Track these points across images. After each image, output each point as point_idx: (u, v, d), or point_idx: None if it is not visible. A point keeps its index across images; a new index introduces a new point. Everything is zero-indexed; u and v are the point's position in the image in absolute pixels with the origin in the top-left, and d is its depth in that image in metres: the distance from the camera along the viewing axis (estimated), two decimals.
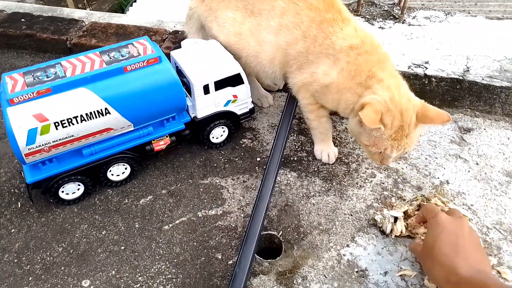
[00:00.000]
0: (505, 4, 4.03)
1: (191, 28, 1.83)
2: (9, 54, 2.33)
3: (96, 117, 1.36)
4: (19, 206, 1.56)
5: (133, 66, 1.39)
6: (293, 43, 1.52)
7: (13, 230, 1.49)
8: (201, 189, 1.61)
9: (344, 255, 1.39)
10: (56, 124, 1.31)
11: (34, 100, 1.29)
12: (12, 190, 1.62)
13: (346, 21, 1.46)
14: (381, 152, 1.41)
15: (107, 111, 1.37)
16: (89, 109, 1.34)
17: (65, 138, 1.35)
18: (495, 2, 4.10)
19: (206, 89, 1.57)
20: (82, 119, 1.34)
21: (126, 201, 1.57)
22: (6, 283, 1.34)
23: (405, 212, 1.45)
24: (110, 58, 1.40)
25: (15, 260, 1.40)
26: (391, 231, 1.42)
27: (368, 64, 1.39)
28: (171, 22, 2.40)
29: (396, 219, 1.43)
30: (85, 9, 3.83)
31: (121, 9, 4.50)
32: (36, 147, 1.31)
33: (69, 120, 1.32)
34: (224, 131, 1.73)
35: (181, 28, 2.31)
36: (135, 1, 4.35)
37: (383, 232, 1.43)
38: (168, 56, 1.60)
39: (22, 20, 2.37)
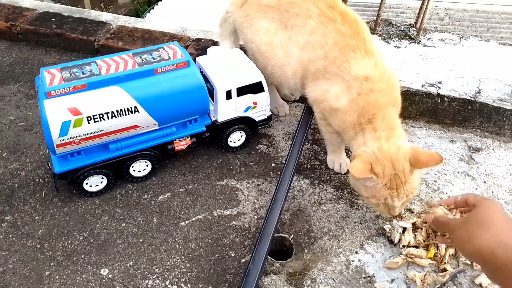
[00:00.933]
0: None
1: (224, 30, 1.93)
2: (38, 51, 2.43)
3: (125, 114, 1.44)
4: (43, 195, 1.64)
5: (163, 69, 1.47)
6: (314, 61, 1.58)
7: (36, 218, 1.56)
8: (217, 190, 1.68)
9: (352, 261, 1.45)
10: (89, 118, 1.39)
11: (70, 95, 1.37)
12: (37, 180, 1.70)
13: (369, 53, 1.49)
14: (385, 203, 1.40)
15: (136, 110, 1.45)
16: (120, 106, 1.42)
17: (95, 132, 1.43)
18: (507, 29, 4.18)
19: (228, 95, 1.64)
20: (113, 115, 1.42)
21: (146, 196, 1.64)
22: (29, 267, 1.41)
23: (413, 224, 1.51)
24: (142, 60, 1.49)
25: (38, 246, 1.47)
26: (399, 240, 1.47)
27: (376, 106, 1.42)
28: (194, 30, 2.49)
29: (404, 229, 1.49)
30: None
31: (137, 15, 4.64)
32: (68, 138, 1.39)
33: (101, 116, 1.40)
34: (241, 136, 1.80)
35: (203, 36, 2.41)
36: (152, 8, 4.49)
37: (391, 242, 1.48)
38: (194, 61, 1.68)
39: (53, 19, 2.48)
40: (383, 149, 1.36)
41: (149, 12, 4.50)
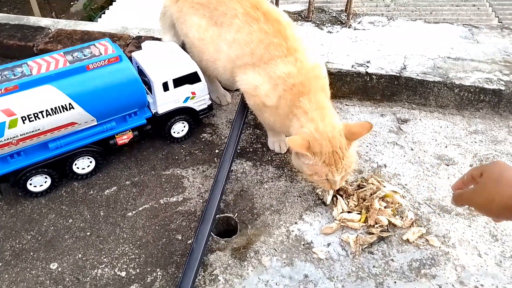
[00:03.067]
0: (457, 13, 4.37)
1: (164, 24, 2.00)
2: None
3: (60, 112, 1.47)
4: None
5: (94, 65, 1.52)
6: (241, 57, 1.66)
7: None
8: (163, 179, 1.74)
9: (292, 231, 1.55)
10: (23, 118, 1.42)
11: (2, 97, 1.39)
12: None
13: (291, 50, 1.57)
14: (326, 179, 1.50)
15: (71, 106, 1.49)
16: (54, 104, 1.45)
17: (32, 131, 1.45)
18: (448, 11, 4.44)
19: (165, 86, 1.71)
20: (48, 113, 1.45)
21: (92, 192, 1.68)
22: None
23: (345, 191, 1.63)
24: (73, 57, 1.52)
25: None
26: (334, 196, 1.61)
27: (300, 94, 1.52)
28: (135, 28, 2.53)
29: (336, 198, 1.61)
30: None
31: (91, 21, 4.59)
32: (5, 140, 1.42)
33: (36, 115, 1.43)
34: (184, 126, 1.87)
35: (145, 34, 2.45)
36: (103, 13, 4.46)
37: (324, 204, 1.61)
38: (130, 58, 1.73)
39: None
40: (319, 129, 1.46)
41: (100, 17, 4.46)
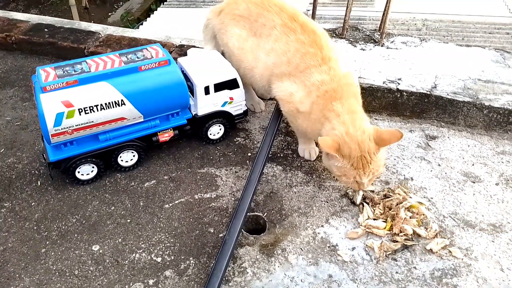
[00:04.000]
0: (490, 40, 4.39)
1: (206, 35, 2.15)
2: (32, 59, 2.61)
3: (113, 107, 1.61)
4: (39, 184, 1.79)
5: (146, 66, 1.66)
6: (279, 65, 1.78)
7: (33, 204, 1.71)
8: (198, 177, 1.85)
9: (318, 233, 1.62)
10: (80, 110, 1.56)
11: (63, 89, 1.55)
12: (33, 171, 1.85)
13: (325, 59, 1.67)
14: (355, 181, 1.58)
15: (122, 103, 1.63)
16: (108, 100, 1.60)
17: (86, 123, 1.60)
18: (481, 38, 4.46)
19: (206, 90, 1.83)
20: (102, 107, 1.59)
21: (133, 183, 1.80)
22: (26, 245, 1.56)
23: (372, 200, 1.69)
24: (128, 59, 1.67)
25: (35, 228, 1.62)
26: (361, 204, 1.68)
27: (333, 99, 1.61)
28: (177, 38, 2.69)
29: (363, 207, 1.68)
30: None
31: None
32: (62, 129, 1.56)
33: (91, 108, 1.58)
34: (220, 129, 1.99)
35: (186, 43, 2.60)
36: (141, 24, 4.70)
37: (354, 203, 1.70)
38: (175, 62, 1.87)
39: (45, 30, 2.67)
40: (350, 132, 1.54)
41: (137, 28, 4.71)
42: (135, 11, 5.34)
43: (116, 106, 1.62)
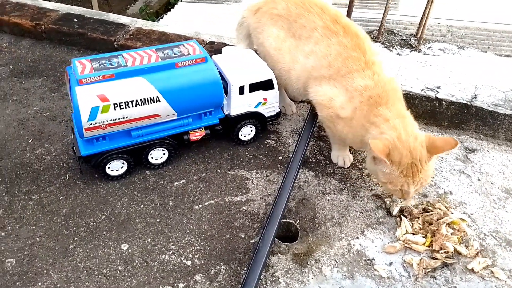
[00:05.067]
0: None
1: (240, 34, 2.08)
2: (60, 49, 2.58)
3: (148, 103, 1.57)
4: (67, 178, 1.76)
5: (183, 63, 1.61)
6: (318, 68, 1.71)
7: (61, 197, 1.68)
8: (228, 179, 1.80)
9: (354, 245, 1.56)
10: (115, 105, 1.52)
11: (99, 83, 1.51)
12: (61, 164, 1.82)
13: (369, 64, 1.61)
14: (401, 189, 1.51)
15: (157, 99, 1.58)
16: (143, 96, 1.55)
17: (121, 118, 1.55)
18: (507, 47, 4.33)
19: (241, 90, 1.78)
20: (137, 103, 1.55)
21: (162, 182, 1.76)
22: (54, 240, 1.53)
23: (410, 213, 1.62)
24: (164, 54, 1.62)
25: (63, 222, 1.59)
26: (398, 216, 1.62)
27: (379, 104, 1.54)
28: (207, 34, 2.64)
29: (401, 220, 1.61)
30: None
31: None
32: (96, 123, 1.52)
33: (126, 103, 1.53)
34: (252, 130, 1.93)
35: (216, 40, 2.55)
36: (162, 18, 4.67)
37: (390, 214, 1.63)
38: None
39: (75, 20, 2.64)
40: (402, 138, 1.46)
41: (158, 21, 4.67)
42: (154, 4, 5.31)
43: (151, 103, 1.57)
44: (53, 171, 1.79)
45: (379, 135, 1.50)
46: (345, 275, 1.46)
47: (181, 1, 4.71)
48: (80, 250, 1.50)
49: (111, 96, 1.51)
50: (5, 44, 2.60)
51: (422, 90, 2.10)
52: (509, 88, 2.18)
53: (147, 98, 1.56)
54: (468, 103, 2.05)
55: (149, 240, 1.54)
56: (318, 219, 1.65)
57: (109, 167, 1.68)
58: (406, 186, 1.47)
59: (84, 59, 1.57)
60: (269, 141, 2.01)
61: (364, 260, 1.51)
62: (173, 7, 4.73)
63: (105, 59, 1.58)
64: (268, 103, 1.89)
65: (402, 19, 4.39)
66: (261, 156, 1.92)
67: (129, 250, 1.50)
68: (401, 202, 1.65)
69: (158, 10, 5.36)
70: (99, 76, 1.50)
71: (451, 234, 1.55)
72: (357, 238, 1.58)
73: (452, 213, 1.63)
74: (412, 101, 2.10)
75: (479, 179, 1.84)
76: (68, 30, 2.56)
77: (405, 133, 1.46)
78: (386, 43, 2.48)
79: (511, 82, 2.22)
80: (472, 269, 1.48)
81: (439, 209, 1.63)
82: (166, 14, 4.71)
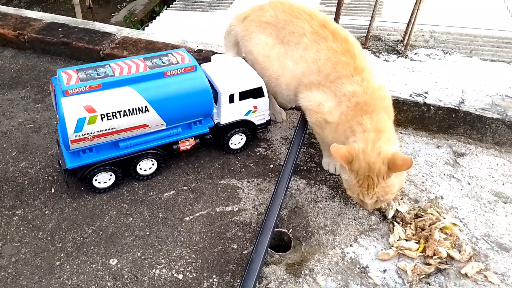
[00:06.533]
0: (498, 54, 4.35)
1: (228, 42, 2.07)
2: (44, 59, 2.53)
3: (136, 114, 1.54)
4: (53, 191, 1.71)
5: (172, 72, 1.59)
6: (308, 74, 1.70)
7: (46, 212, 1.63)
8: (219, 188, 1.77)
9: (347, 253, 1.54)
10: (102, 116, 1.48)
11: (86, 93, 1.47)
12: (46, 177, 1.77)
13: (358, 69, 1.60)
14: (359, 198, 1.53)
15: (146, 109, 1.55)
16: (131, 106, 1.52)
17: (108, 129, 1.52)
18: (489, 51, 4.42)
19: (231, 98, 1.76)
20: (125, 114, 1.52)
21: (151, 193, 1.72)
22: (40, 257, 1.48)
23: (402, 219, 1.62)
24: (153, 63, 1.60)
25: (49, 238, 1.54)
26: (391, 222, 1.62)
27: (363, 112, 1.54)
28: (194, 42, 2.62)
29: (393, 226, 1.61)
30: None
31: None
32: (82, 135, 1.48)
33: (114, 114, 1.50)
34: (242, 139, 1.91)
35: (204, 48, 2.53)
36: (147, 26, 4.62)
37: (385, 217, 1.64)
38: None
39: (59, 29, 2.59)
40: (366, 151, 1.47)
41: (143, 29, 4.62)
42: (139, 12, 5.27)
43: (139, 113, 1.54)
44: (38, 185, 1.73)
45: (352, 143, 1.52)
46: (339, 284, 1.44)
47: (166, 9, 4.68)
48: (67, 267, 1.45)
49: (98, 106, 1.48)
50: None
51: (410, 95, 2.12)
52: (495, 93, 2.21)
53: (136, 108, 1.53)
54: (456, 107, 2.07)
55: (139, 254, 1.50)
56: (311, 228, 1.63)
57: (96, 180, 1.64)
58: (361, 196, 1.50)
59: (70, 69, 1.54)
60: (260, 149, 1.99)
61: (358, 268, 1.50)
62: (158, 15, 4.70)
63: (91, 69, 1.54)
64: (258, 111, 1.87)
65: (386, 25, 4.45)
66: (252, 164, 1.90)
67: (118, 265, 1.46)
68: (397, 205, 1.65)
69: (142, 18, 5.31)
70: (85, 87, 1.47)
71: (444, 239, 1.55)
72: (351, 245, 1.57)
73: (444, 218, 1.63)
74: (401, 106, 2.10)
75: (469, 183, 1.85)
76: (53, 39, 2.51)
77: (371, 147, 1.47)
78: (374, 50, 2.50)
79: (497, 86, 2.26)
80: (466, 274, 1.48)
81: (431, 214, 1.63)
82: (151, 22, 4.68)
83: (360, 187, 1.48)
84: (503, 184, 1.85)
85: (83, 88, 1.46)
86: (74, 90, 1.45)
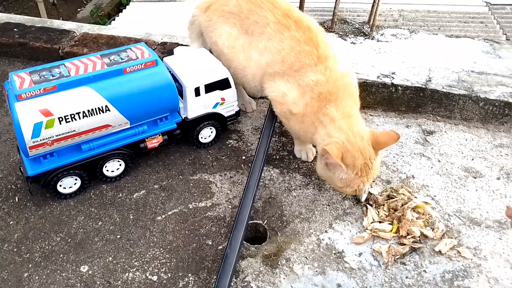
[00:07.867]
0: (465, 29, 4.42)
1: (192, 33, 2.01)
2: (1, 62, 2.41)
3: (96, 114, 1.48)
4: (17, 200, 1.64)
5: (131, 68, 1.53)
6: (272, 64, 1.67)
7: (11, 222, 1.56)
8: (191, 184, 1.73)
9: (323, 239, 1.54)
10: (60, 119, 1.42)
11: (41, 97, 1.40)
12: (9, 186, 1.70)
13: (321, 58, 1.58)
14: (355, 189, 1.52)
15: (107, 109, 1.49)
16: (91, 106, 1.46)
17: (68, 132, 1.46)
18: (456, 27, 4.48)
19: (197, 92, 1.71)
20: (84, 115, 1.45)
21: (120, 195, 1.67)
22: (6, 270, 1.42)
23: (375, 201, 1.63)
24: (111, 60, 1.53)
25: (15, 249, 1.48)
26: (364, 205, 1.63)
27: (327, 101, 1.52)
28: (158, 34, 2.55)
29: (367, 209, 1.61)
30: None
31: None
32: (41, 140, 1.42)
33: (72, 116, 1.44)
34: (212, 132, 1.87)
35: (169, 40, 2.46)
36: (113, 20, 4.48)
37: (358, 201, 1.65)
38: None
39: (15, 29, 2.47)
40: (350, 140, 1.45)
41: (110, 23, 4.48)
42: (105, 6, 5.10)
43: (100, 113, 1.48)
44: (1, 195, 1.66)
45: (326, 136, 1.49)
46: (316, 271, 1.44)
47: (132, 1, 4.54)
48: (36, 278, 1.40)
49: (54, 109, 1.41)
50: None
51: (378, 77, 2.11)
52: (461, 69, 2.23)
53: (95, 108, 1.47)
54: (423, 86, 2.08)
55: (110, 258, 1.46)
56: (286, 217, 1.62)
57: (60, 185, 1.58)
58: (361, 185, 1.48)
59: (22, 72, 1.46)
60: (231, 141, 1.96)
61: (334, 254, 1.50)
62: (125, 8, 4.56)
63: (45, 70, 1.47)
64: (227, 103, 1.83)
65: (356, 6, 4.44)
66: (223, 157, 1.87)
67: (90, 272, 1.42)
68: (369, 188, 1.66)
69: (109, 12, 5.15)
70: (39, 90, 1.40)
71: (417, 219, 1.57)
72: (326, 232, 1.57)
73: (415, 197, 1.64)
74: (369, 88, 2.10)
75: (439, 161, 1.87)
76: (8, 40, 2.39)
77: (352, 134, 1.46)
78: (340, 33, 2.48)
79: (463, 62, 2.28)
80: (440, 251, 1.50)
81: (403, 194, 1.64)
82: (118, 16, 4.53)
83: (360, 177, 1.46)
84: (473, 159, 1.88)
85: (37, 91, 1.39)
86: (28, 94, 1.38)
